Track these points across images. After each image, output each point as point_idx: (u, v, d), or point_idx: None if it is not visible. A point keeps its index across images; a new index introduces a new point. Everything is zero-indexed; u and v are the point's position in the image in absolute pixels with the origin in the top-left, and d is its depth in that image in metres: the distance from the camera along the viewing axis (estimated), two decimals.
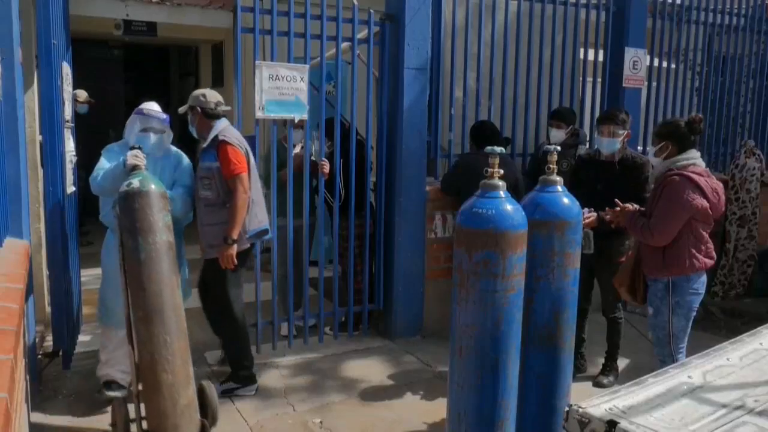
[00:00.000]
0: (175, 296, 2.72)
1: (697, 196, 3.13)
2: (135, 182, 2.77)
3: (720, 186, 3.26)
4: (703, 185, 3.15)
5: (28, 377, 3.10)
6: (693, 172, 3.17)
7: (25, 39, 3.61)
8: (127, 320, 2.79)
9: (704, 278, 3.29)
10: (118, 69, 9.61)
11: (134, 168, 3.01)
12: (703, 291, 3.30)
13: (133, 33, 7.40)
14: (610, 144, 3.81)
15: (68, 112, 4.04)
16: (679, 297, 3.23)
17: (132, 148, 3.16)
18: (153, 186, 2.80)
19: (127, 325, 2.80)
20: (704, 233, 3.25)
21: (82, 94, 6.28)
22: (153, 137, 3.45)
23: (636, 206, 3.40)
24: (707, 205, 3.15)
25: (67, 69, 4.11)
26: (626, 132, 3.84)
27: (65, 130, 3.86)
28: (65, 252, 3.73)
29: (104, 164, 3.37)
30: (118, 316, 3.34)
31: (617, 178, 3.80)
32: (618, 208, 3.40)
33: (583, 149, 4.43)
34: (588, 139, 4.90)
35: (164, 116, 3.50)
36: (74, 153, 4.22)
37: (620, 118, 3.82)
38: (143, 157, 3.13)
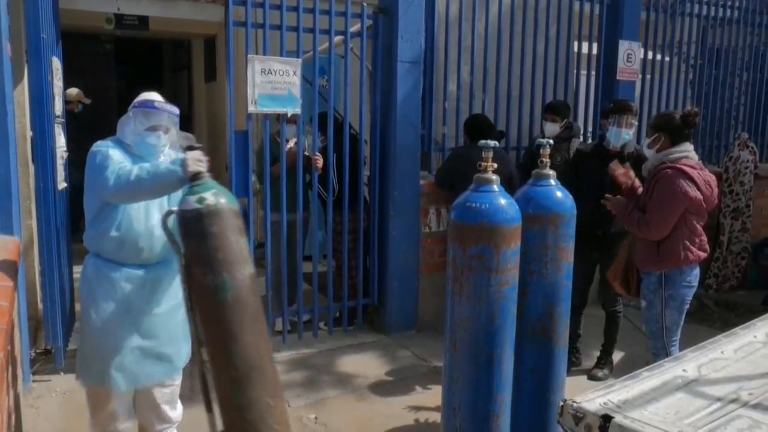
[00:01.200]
0: (269, 346, 2.13)
1: (691, 188, 3.13)
2: (209, 197, 2.04)
3: (713, 178, 3.25)
4: (696, 177, 3.15)
5: (20, 375, 3.08)
6: (686, 165, 3.17)
7: (15, 33, 3.57)
8: (202, 382, 2.13)
9: (697, 271, 3.29)
10: (110, 63, 9.52)
11: (196, 176, 2.17)
12: (695, 284, 3.30)
13: (124, 27, 7.36)
14: (626, 135, 3.80)
15: (59, 108, 4.00)
16: (672, 290, 3.24)
17: (190, 148, 2.27)
18: (225, 201, 2.08)
19: (203, 389, 2.13)
20: (698, 226, 3.24)
21: (73, 92, 6.20)
22: (164, 137, 2.61)
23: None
24: (701, 197, 3.15)
25: (57, 64, 4.07)
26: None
27: (56, 125, 3.83)
28: (57, 248, 3.71)
29: (120, 159, 2.49)
30: (101, 374, 2.53)
31: None
32: (610, 198, 3.39)
33: (576, 142, 4.41)
34: (582, 132, 4.89)
35: (176, 110, 2.72)
36: (65, 149, 4.19)
37: (635, 108, 3.87)
38: (206, 161, 2.28)
